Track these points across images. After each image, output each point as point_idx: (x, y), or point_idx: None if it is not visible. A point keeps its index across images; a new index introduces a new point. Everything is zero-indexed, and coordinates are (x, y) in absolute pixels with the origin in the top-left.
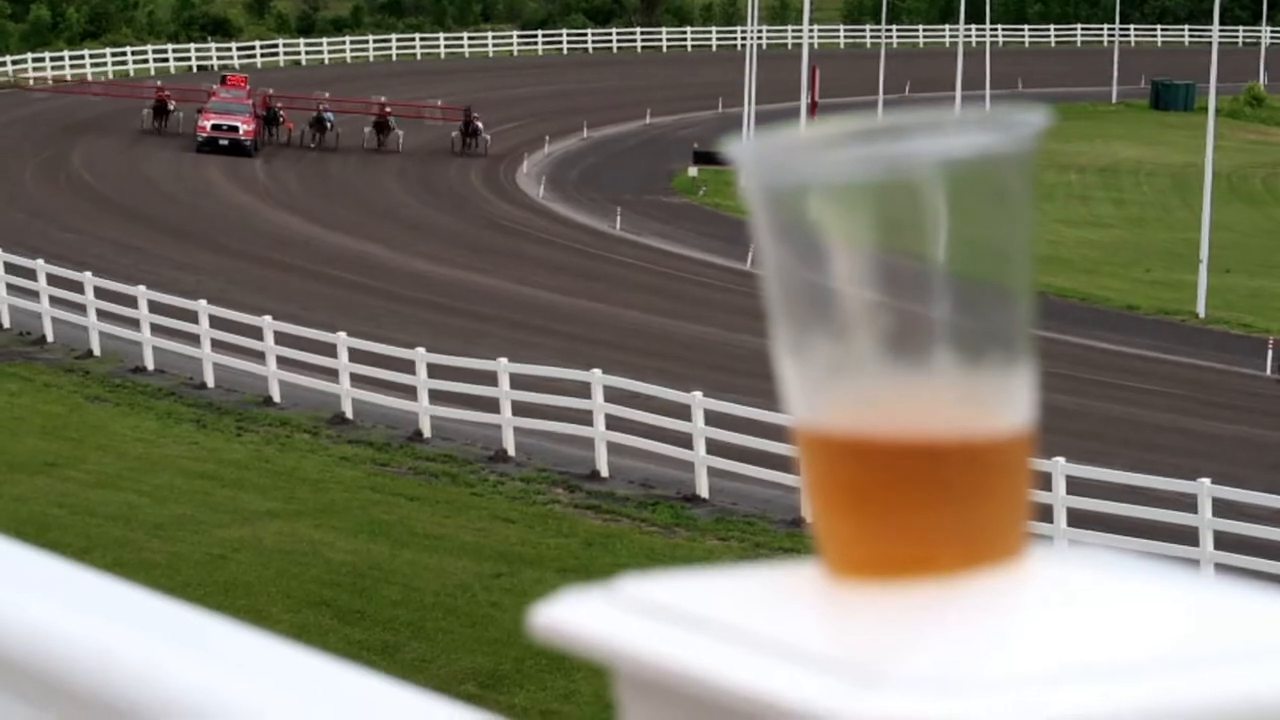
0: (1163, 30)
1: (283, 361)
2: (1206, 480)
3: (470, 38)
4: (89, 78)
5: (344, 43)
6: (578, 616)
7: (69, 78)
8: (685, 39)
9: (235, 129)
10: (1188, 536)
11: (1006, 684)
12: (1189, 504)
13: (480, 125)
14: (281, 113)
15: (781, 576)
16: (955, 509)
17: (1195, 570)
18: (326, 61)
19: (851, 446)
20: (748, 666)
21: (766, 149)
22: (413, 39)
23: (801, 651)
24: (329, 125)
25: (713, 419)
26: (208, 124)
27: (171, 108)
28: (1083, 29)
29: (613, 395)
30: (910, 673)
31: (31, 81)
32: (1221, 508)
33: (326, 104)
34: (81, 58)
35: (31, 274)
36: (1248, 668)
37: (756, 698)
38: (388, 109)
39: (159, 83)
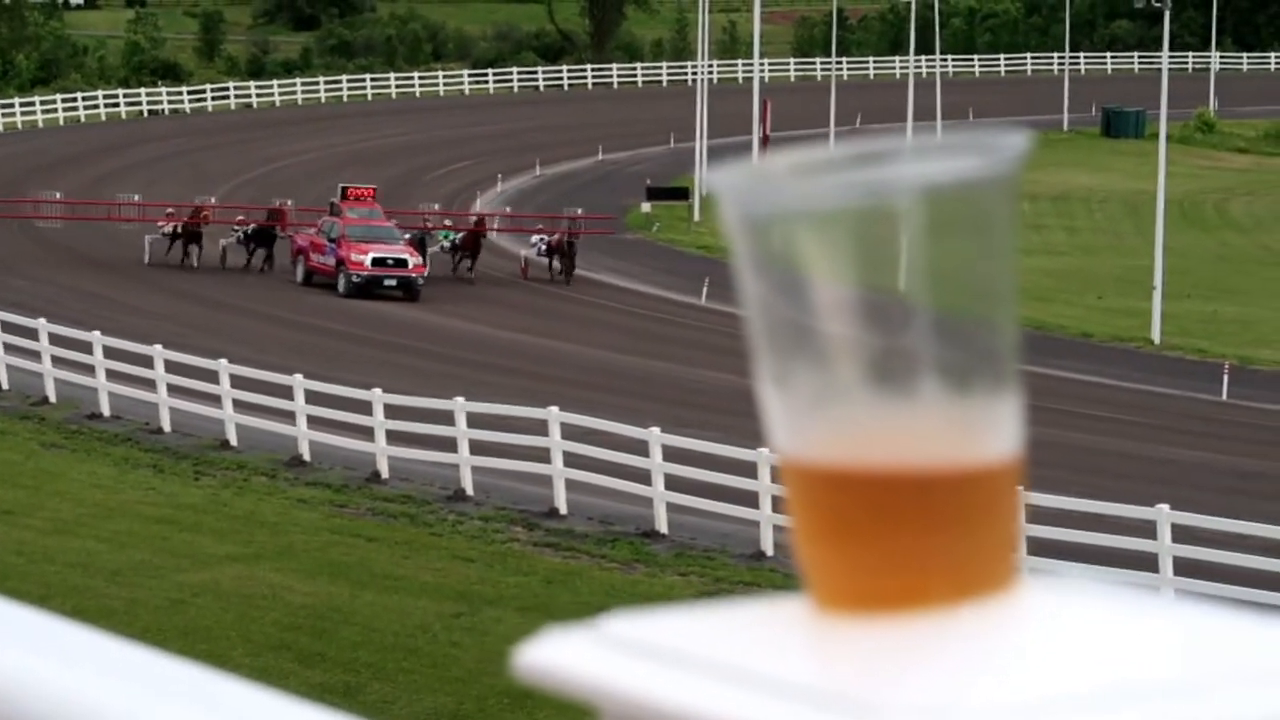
0: (1112, 58)
1: (239, 405)
2: (1165, 506)
3: (421, 77)
4: (40, 124)
5: (295, 85)
6: (563, 657)
7: (20, 125)
8: (636, 75)
9: (403, 263)
10: (1147, 562)
11: (1001, 715)
12: (1148, 530)
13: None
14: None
15: (769, 611)
16: (943, 539)
17: (1180, 598)
18: (278, 104)
19: (837, 477)
20: (739, 703)
21: (746, 177)
22: (363, 80)
23: (793, 686)
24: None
25: (671, 454)
26: (364, 258)
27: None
28: (1032, 58)
29: (570, 432)
30: (904, 705)
31: (35, 209)
32: (1180, 533)
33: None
34: (32, 104)
35: None
36: (1239, 696)
37: None
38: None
39: (201, 201)
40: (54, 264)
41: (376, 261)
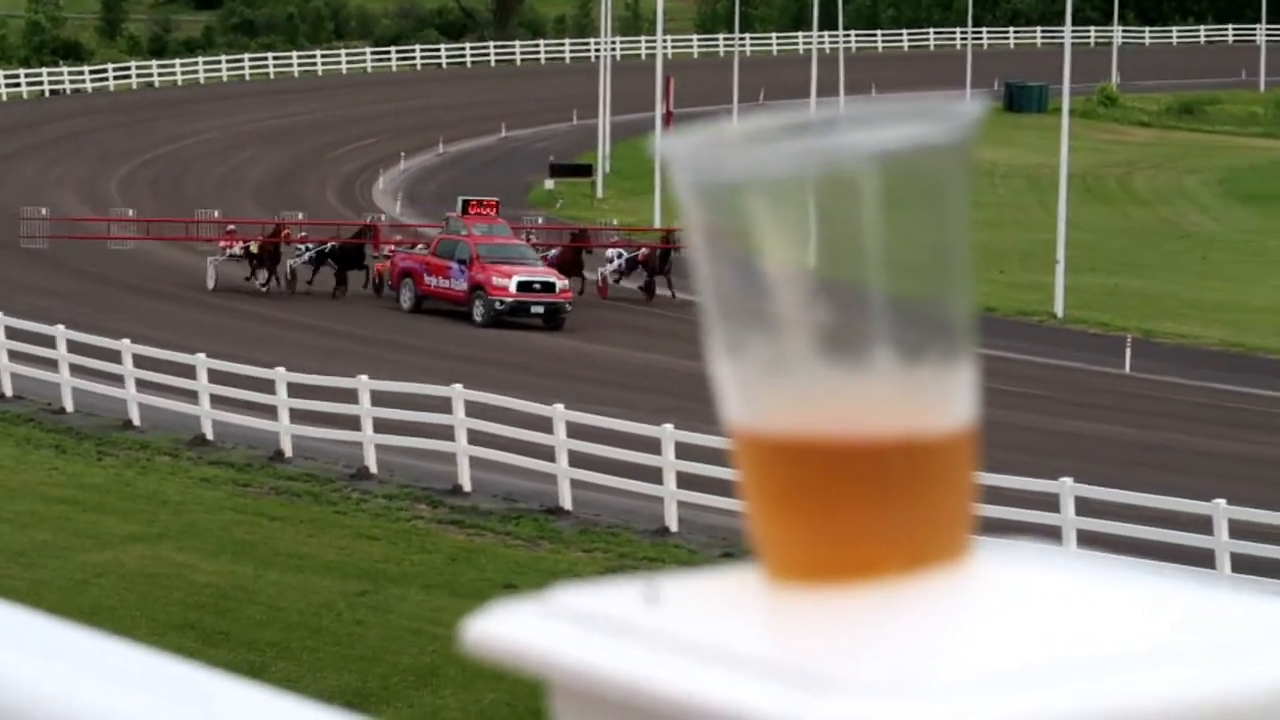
0: (1015, 32)
1: (142, 384)
2: (1068, 479)
3: (324, 56)
4: None
5: (197, 64)
6: (512, 629)
7: None
8: (539, 52)
9: (551, 287)
10: (1050, 536)
11: (960, 687)
12: (1051, 504)
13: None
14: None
15: (721, 582)
16: (898, 509)
17: (1139, 564)
18: (180, 83)
19: (790, 447)
20: (693, 676)
21: (697, 145)
22: (266, 58)
23: (748, 659)
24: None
25: (574, 431)
26: (508, 283)
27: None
28: (935, 33)
29: (474, 410)
30: (862, 678)
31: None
32: (1083, 506)
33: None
34: None
35: None
36: (1196, 665)
37: (704, 708)
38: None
39: (283, 217)
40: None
41: (522, 286)
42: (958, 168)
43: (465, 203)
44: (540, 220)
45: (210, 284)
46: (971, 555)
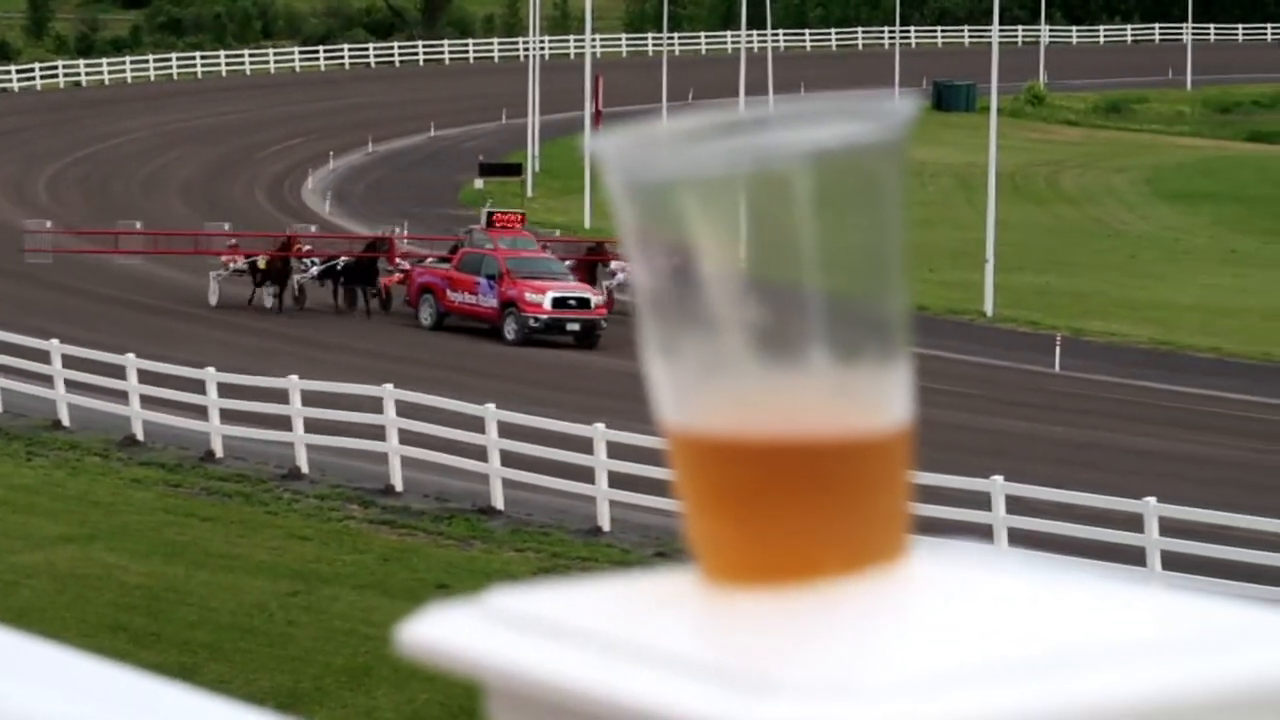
0: (943, 31)
1: (71, 384)
2: (999, 477)
3: (251, 55)
4: None
5: (124, 63)
6: (447, 632)
7: None
8: (468, 51)
9: (586, 303)
10: (981, 534)
11: (899, 688)
12: (983, 502)
13: None
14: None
15: (658, 585)
16: (835, 509)
17: (1078, 564)
18: (107, 82)
19: (726, 447)
20: (631, 679)
21: (630, 144)
22: (193, 58)
23: (687, 661)
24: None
25: (506, 431)
26: (543, 299)
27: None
28: (864, 32)
29: (405, 409)
30: (801, 680)
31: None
32: (1014, 505)
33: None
34: None
35: None
36: (1135, 664)
37: (641, 710)
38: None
39: (295, 230)
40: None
41: (557, 302)
42: (891, 166)
43: (490, 215)
44: (558, 233)
45: (213, 299)
46: (909, 555)
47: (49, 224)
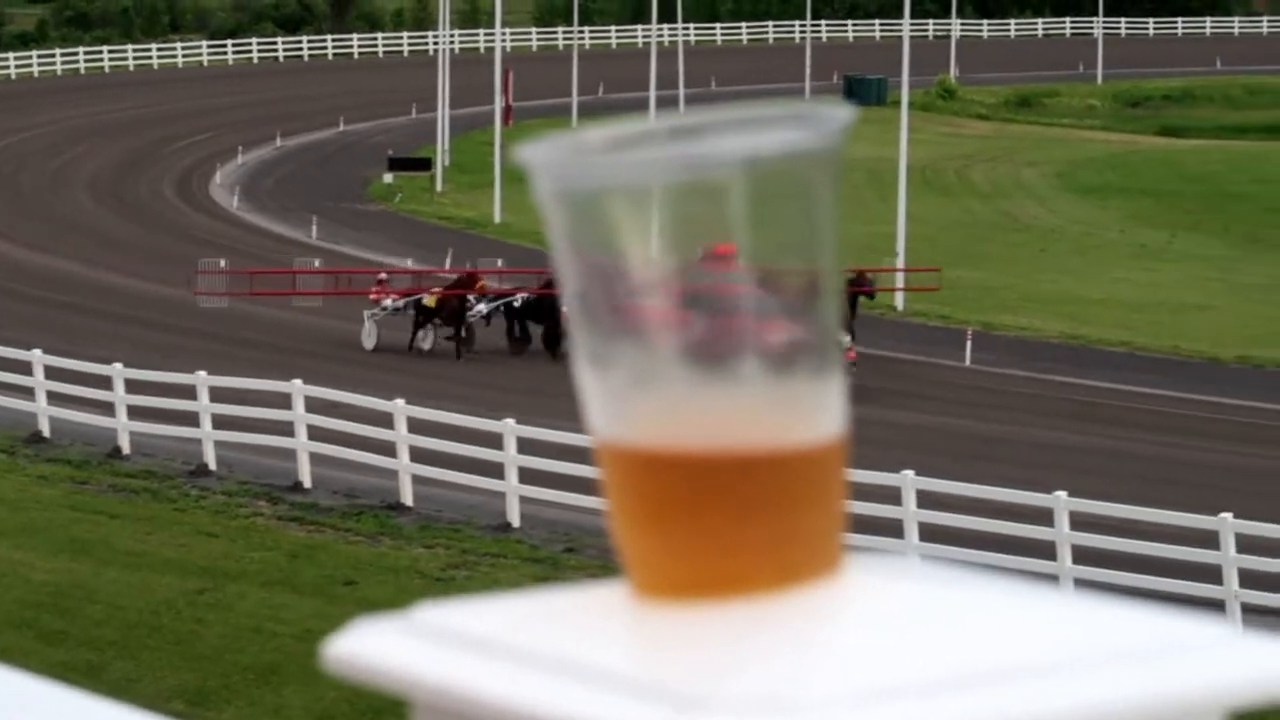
0: (854, 25)
1: None
2: (910, 472)
3: (159, 49)
4: None
5: (31, 57)
6: (374, 647)
7: None
8: (377, 45)
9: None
10: (892, 529)
11: (833, 704)
12: (893, 497)
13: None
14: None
15: (588, 599)
16: (768, 522)
17: (999, 577)
18: (14, 76)
19: (658, 459)
20: (562, 695)
21: (560, 151)
22: (101, 52)
23: (618, 677)
24: None
25: (415, 426)
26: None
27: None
28: (775, 25)
29: (314, 405)
30: (731, 695)
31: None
32: (924, 499)
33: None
34: None
35: None
36: (1066, 677)
37: None
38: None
39: (475, 265)
40: None
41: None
42: (828, 173)
43: (707, 248)
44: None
45: (369, 343)
46: (842, 569)
47: (224, 263)
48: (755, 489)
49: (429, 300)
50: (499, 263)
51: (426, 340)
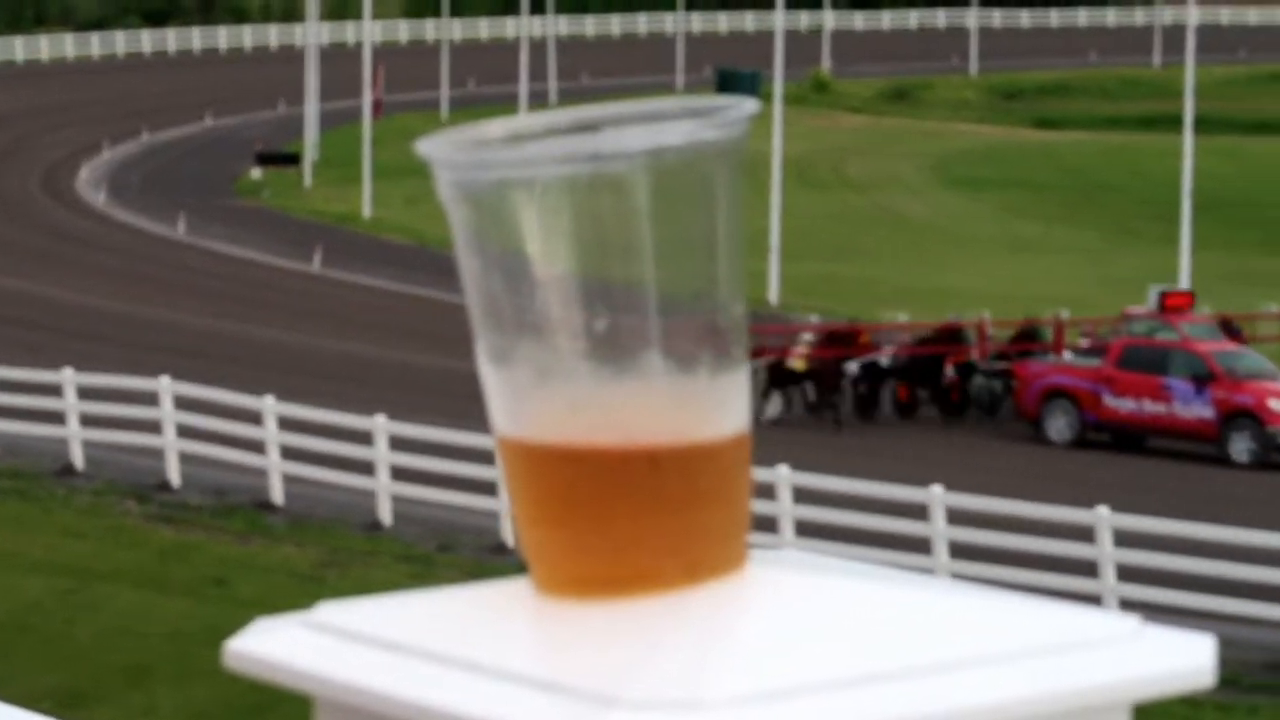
0: (727, 17)
1: None
2: (784, 467)
3: (23, 42)
4: None
5: None
6: (274, 646)
7: None
8: (244, 39)
9: None
10: (766, 525)
11: (739, 701)
12: (765, 491)
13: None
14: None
15: (491, 597)
16: (673, 518)
17: (909, 572)
18: None
19: (560, 456)
20: (465, 694)
21: (459, 145)
22: None
23: (522, 676)
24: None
25: (286, 424)
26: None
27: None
28: (647, 17)
29: (182, 403)
30: (637, 694)
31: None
32: (801, 495)
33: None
34: None
35: None
36: (971, 671)
37: None
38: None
39: (856, 321)
40: None
41: None
42: (729, 167)
43: (1162, 295)
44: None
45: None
46: (747, 565)
47: None
48: (659, 485)
49: (799, 364)
50: (902, 316)
51: (773, 407)
